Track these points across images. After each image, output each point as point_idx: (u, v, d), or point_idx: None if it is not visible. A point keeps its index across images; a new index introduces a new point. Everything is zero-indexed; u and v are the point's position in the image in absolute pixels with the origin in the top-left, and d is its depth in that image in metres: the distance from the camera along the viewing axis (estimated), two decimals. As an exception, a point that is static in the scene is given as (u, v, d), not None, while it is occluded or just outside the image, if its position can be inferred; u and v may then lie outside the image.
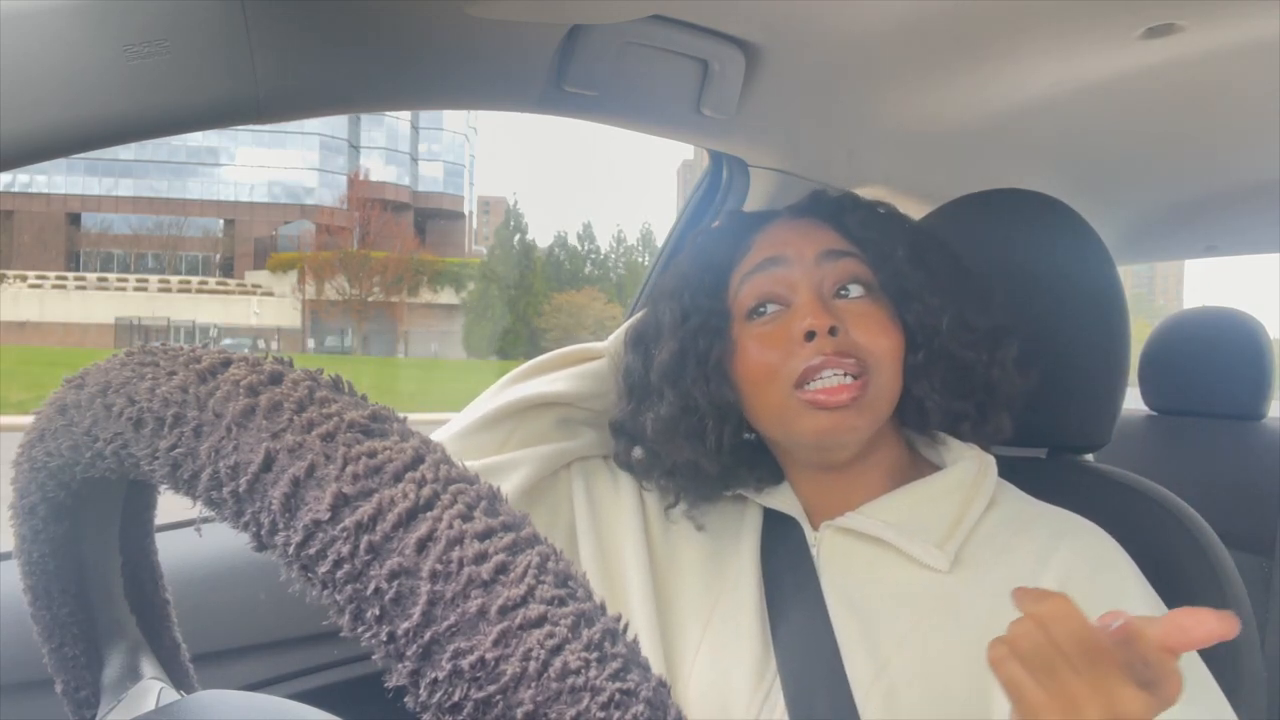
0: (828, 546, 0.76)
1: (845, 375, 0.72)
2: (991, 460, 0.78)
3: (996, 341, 0.78)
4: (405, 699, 0.26)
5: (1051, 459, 0.93)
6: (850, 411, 0.72)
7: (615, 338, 0.90)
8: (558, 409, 0.86)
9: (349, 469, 0.28)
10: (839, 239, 0.79)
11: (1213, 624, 0.45)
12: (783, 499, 0.81)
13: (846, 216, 0.80)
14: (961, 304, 0.77)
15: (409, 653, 0.25)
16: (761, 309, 0.77)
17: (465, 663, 0.25)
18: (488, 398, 0.88)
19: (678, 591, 0.79)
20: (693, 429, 0.78)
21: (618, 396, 0.85)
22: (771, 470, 0.83)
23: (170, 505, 0.43)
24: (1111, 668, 0.48)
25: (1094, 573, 0.69)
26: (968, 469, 0.77)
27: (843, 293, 0.76)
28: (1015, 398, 0.79)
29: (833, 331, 0.72)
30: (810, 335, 0.72)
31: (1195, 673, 0.66)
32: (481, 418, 0.85)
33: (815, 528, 0.78)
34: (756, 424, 0.79)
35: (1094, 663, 0.49)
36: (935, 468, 0.80)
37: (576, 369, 0.87)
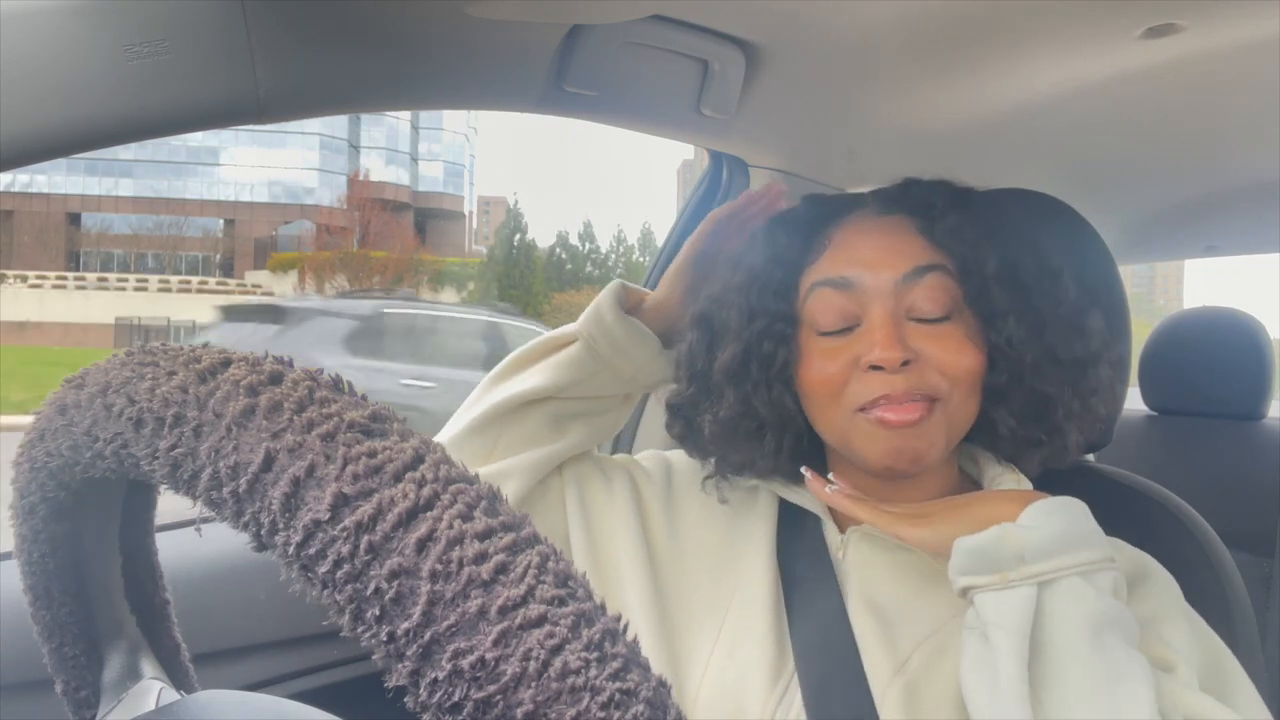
0: (854, 550, 0.74)
1: (912, 404, 0.67)
2: (1028, 483, 0.75)
3: (1084, 372, 0.71)
4: (405, 699, 0.26)
5: (1052, 459, 0.93)
6: (920, 431, 0.68)
7: (586, 318, 0.87)
8: (543, 404, 0.85)
9: (349, 469, 0.28)
10: (925, 248, 0.72)
11: None
12: (808, 495, 0.78)
13: (936, 221, 0.73)
14: (1052, 335, 0.70)
15: (409, 653, 0.25)
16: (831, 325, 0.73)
17: (465, 663, 0.25)
18: (472, 401, 0.87)
19: (688, 588, 0.78)
20: (752, 432, 0.76)
21: (676, 372, 0.82)
22: (810, 461, 0.77)
23: (170, 505, 0.43)
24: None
25: (1134, 585, 0.68)
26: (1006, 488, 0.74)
27: (923, 312, 0.70)
28: (1097, 422, 0.74)
29: (905, 364, 0.67)
30: (877, 368, 0.68)
31: (1232, 674, 0.65)
32: (468, 425, 0.84)
33: (841, 529, 0.76)
34: (818, 431, 0.76)
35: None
36: (975, 484, 0.78)
37: (553, 359, 0.86)
